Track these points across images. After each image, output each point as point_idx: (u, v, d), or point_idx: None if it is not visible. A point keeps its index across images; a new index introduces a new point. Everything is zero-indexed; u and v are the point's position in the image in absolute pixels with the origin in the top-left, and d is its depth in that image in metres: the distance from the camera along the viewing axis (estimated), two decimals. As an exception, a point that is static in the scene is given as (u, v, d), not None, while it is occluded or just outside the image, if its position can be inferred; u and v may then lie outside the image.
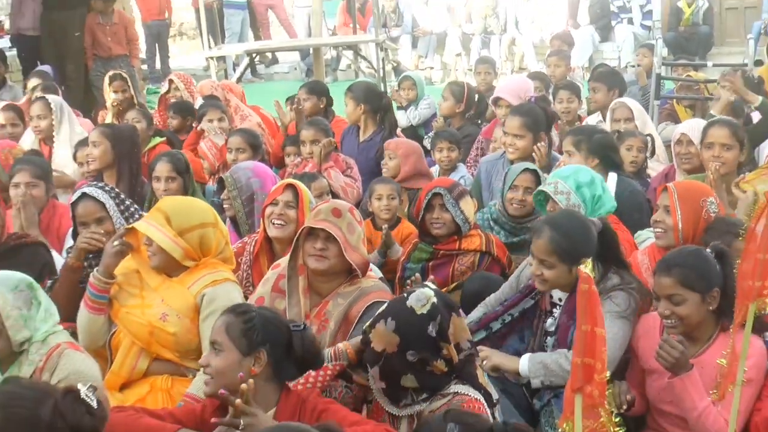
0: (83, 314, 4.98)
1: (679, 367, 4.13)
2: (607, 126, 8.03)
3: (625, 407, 4.32)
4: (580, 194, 5.55)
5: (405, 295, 4.27)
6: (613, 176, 6.33)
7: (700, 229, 5.07)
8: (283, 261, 5.10)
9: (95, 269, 4.99)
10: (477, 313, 5.26)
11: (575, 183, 5.57)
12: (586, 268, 3.24)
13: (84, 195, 5.80)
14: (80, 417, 3.03)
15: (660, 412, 4.48)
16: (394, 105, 9.79)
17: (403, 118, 9.98)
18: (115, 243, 5.00)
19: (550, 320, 4.90)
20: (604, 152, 6.41)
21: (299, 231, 4.99)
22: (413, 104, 10.52)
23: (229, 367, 3.75)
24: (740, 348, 3.77)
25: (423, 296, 4.17)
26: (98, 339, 5.03)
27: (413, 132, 9.84)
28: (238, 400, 3.54)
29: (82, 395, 3.09)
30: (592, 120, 8.70)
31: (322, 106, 9.36)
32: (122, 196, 5.95)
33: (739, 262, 3.85)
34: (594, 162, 6.30)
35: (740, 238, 4.11)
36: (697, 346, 4.35)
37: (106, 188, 5.94)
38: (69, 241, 6.27)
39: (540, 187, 5.86)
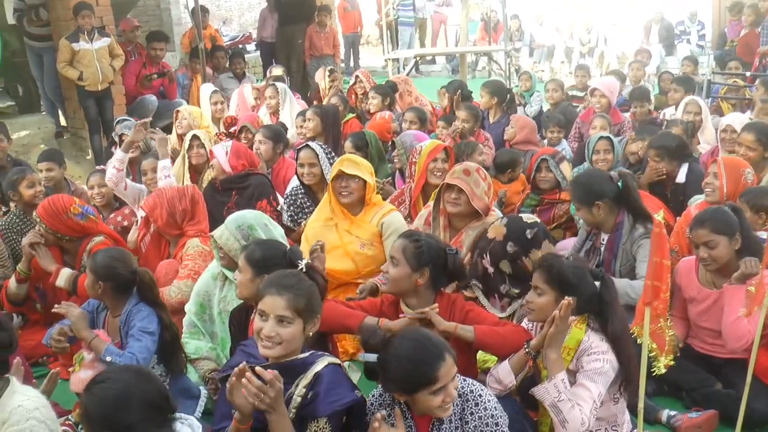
0: None
1: (744, 279, 3.98)
2: (678, 114, 7.74)
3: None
4: None
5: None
6: (684, 165, 6.11)
7: (739, 191, 4.91)
8: (432, 202, 5.15)
9: None
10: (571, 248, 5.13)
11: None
12: (659, 216, 3.15)
13: (307, 146, 6.03)
14: (298, 255, 3.31)
15: (699, 328, 4.35)
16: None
17: (521, 111, 9.78)
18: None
19: (598, 258, 4.76)
20: (681, 152, 6.14)
21: (440, 185, 5.06)
22: (527, 94, 10.35)
23: (401, 278, 3.74)
24: (768, 280, 3.63)
25: (531, 216, 4.42)
26: None
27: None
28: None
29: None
30: (669, 112, 8.32)
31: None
32: (329, 150, 6.11)
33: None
34: (675, 162, 6.07)
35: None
36: (725, 278, 4.17)
37: (321, 144, 6.15)
38: (293, 184, 6.40)
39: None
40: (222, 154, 6.10)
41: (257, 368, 2.83)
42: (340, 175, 5.24)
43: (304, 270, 3.33)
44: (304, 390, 2.97)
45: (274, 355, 2.99)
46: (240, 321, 3.95)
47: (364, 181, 5.27)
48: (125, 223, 5.99)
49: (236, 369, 2.85)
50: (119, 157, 6.19)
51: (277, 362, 3.01)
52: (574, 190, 4.84)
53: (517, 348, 3.50)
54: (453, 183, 4.88)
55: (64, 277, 4.91)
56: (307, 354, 3.07)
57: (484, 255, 4.28)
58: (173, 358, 4.03)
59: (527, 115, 9.80)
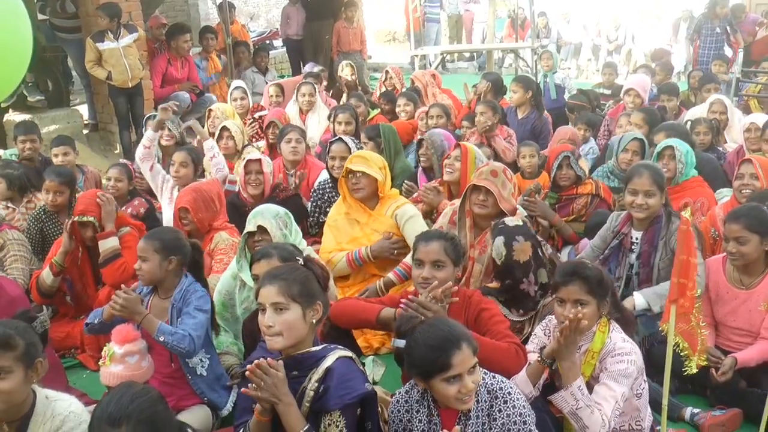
0: None
1: None
2: (704, 113, 7.74)
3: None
4: (687, 155, 5.62)
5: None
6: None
7: None
8: (457, 201, 5.13)
9: None
10: (583, 255, 5.10)
11: (685, 148, 5.62)
12: (686, 213, 3.14)
13: (340, 139, 6.18)
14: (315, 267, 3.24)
15: (726, 327, 4.34)
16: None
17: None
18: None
19: (632, 255, 4.72)
20: (689, 140, 6.20)
21: (467, 186, 5.01)
22: (549, 73, 10.46)
23: (449, 277, 3.78)
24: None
25: (513, 219, 4.42)
26: None
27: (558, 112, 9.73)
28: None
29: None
30: (698, 110, 8.25)
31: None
32: (360, 146, 6.35)
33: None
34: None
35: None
36: (752, 278, 4.23)
37: (353, 138, 6.35)
38: (320, 178, 6.45)
39: (668, 142, 5.80)
40: (269, 173, 6.08)
41: (256, 361, 2.87)
42: (350, 172, 5.35)
43: (302, 263, 3.33)
44: (316, 384, 2.99)
45: (279, 346, 3.00)
46: (253, 331, 3.90)
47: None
48: (139, 212, 6.15)
49: (249, 366, 2.91)
50: (149, 136, 6.40)
51: (289, 356, 3.04)
52: (654, 177, 4.69)
53: (506, 369, 3.42)
54: (481, 185, 4.82)
55: (111, 243, 5.05)
56: (319, 347, 3.09)
57: (525, 279, 4.21)
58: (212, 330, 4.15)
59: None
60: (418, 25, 16.20)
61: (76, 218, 5.11)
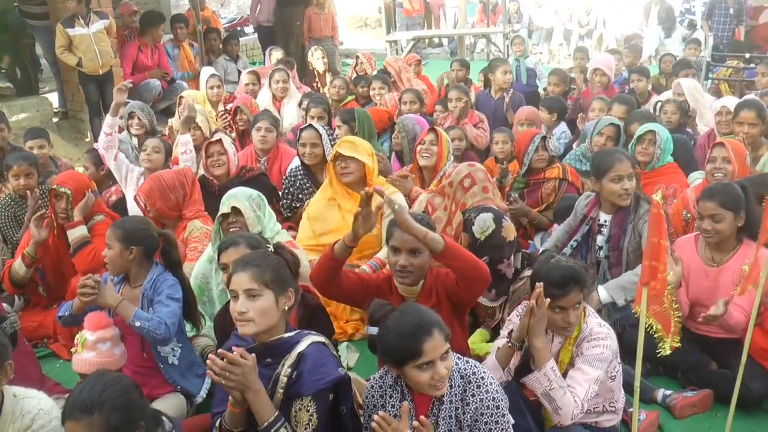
0: None
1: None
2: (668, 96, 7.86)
3: None
4: (667, 142, 5.67)
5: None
6: None
7: (741, 175, 4.99)
8: (438, 200, 5.09)
9: None
10: (550, 243, 5.05)
11: (666, 134, 5.68)
12: (657, 196, 3.15)
13: (310, 125, 6.10)
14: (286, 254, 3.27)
15: (697, 306, 4.33)
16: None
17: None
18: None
19: (600, 237, 4.71)
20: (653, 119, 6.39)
21: (467, 210, 4.86)
22: (521, 58, 10.42)
23: (426, 263, 3.71)
24: (763, 260, 3.62)
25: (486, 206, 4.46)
26: None
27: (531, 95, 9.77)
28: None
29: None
30: (669, 94, 8.31)
31: (468, 75, 9.37)
32: (331, 132, 6.22)
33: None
34: None
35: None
36: (723, 254, 4.25)
37: (324, 126, 6.24)
38: (292, 165, 6.39)
39: (650, 126, 5.79)
40: (232, 153, 6.04)
41: (219, 350, 2.85)
42: (339, 156, 5.28)
43: (272, 250, 3.34)
44: (289, 369, 2.98)
45: (250, 332, 2.99)
46: (224, 326, 3.85)
47: (364, 162, 5.28)
48: (110, 199, 6.17)
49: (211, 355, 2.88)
50: (108, 122, 6.27)
51: (261, 343, 3.03)
52: (631, 160, 4.73)
53: (479, 271, 3.45)
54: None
55: (79, 232, 5.05)
56: (292, 333, 3.08)
57: (506, 260, 4.20)
58: (192, 316, 4.09)
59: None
60: (389, 11, 16.14)
61: (54, 187, 5.10)
